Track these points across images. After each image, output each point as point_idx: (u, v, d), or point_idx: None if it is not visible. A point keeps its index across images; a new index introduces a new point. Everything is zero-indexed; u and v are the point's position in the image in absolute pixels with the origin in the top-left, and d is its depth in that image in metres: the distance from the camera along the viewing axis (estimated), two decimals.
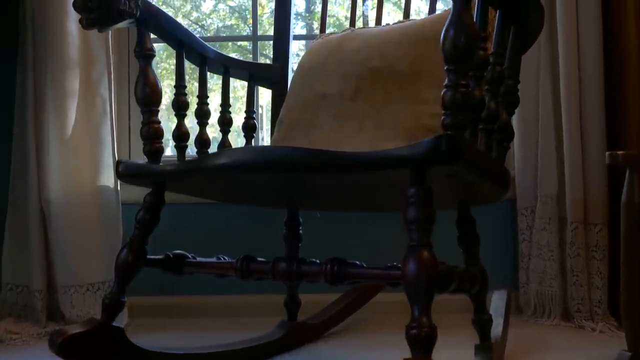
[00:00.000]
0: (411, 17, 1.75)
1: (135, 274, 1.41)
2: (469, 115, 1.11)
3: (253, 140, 1.75)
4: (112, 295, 1.39)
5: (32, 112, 1.96)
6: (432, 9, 1.69)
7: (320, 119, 1.56)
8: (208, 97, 1.66)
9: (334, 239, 2.12)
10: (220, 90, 1.74)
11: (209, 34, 9.96)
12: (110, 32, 2.03)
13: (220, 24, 9.80)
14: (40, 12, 1.97)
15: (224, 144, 1.69)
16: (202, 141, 1.63)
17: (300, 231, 1.75)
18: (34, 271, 1.95)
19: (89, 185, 1.98)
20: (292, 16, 1.92)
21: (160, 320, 2.10)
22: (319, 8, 10.18)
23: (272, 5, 8.93)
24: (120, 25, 1.47)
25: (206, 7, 10.05)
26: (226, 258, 1.50)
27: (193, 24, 9.87)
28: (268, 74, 1.81)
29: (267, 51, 9.73)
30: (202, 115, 1.64)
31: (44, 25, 1.95)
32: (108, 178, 2.00)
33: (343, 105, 1.54)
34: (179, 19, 9.60)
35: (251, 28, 2.29)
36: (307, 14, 8.99)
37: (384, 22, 1.77)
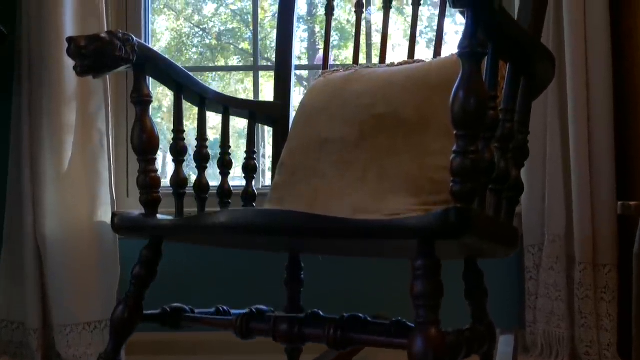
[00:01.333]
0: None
1: (132, 331, 1.36)
2: (478, 182, 1.07)
3: (254, 182, 1.70)
4: (107, 355, 1.34)
5: (27, 147, 1.91)
6: (437, 52, 1.64)
7: (322, 165, 1.51)
8: (207, 139, 1.62)
9: (336, 282, 2.07)
10: None
11: (210, 37, 9.91)
12: None
13: (222, 27, 9.77)
14: (36, 45, 1.92)
15: (224, 186, 1.64)
16: (201, 186, 1.58)
17: (302, 276, 1.70)
18: (30, 309, 1.91)
19: (86, 221, 1.94)
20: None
21: (162, 358, 2.05)
22: (320, 12, 10.14)
23: (274, 8, 8.86)
24: (116, 71, 1.42)
25: (208, 10, 10.00)
26: (225, 308, 1.46)
27: (195, 27, 9.86)
28: (269, 112, 1.76)
29: (269, 54, 9.63)
30: (202, 158, 1.59)
31: (40, 59, 1.91)
32: (105, 214, 1.96)
33: (346, 152, 1.49)
34: (181, 22, 9.59)
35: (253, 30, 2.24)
36: (309, 17, 8.95)
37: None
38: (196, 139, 1.61)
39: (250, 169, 1.70)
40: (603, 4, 1.83)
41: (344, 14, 9.47)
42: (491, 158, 1.17)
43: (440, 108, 1.40)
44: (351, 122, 1.51)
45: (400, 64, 1.63)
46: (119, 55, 1.38)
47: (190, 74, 1.58)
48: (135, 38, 1.42)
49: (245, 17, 8.60)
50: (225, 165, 1.64)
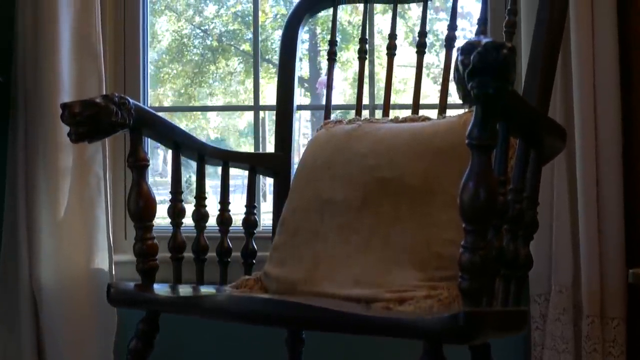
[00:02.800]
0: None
1: None
2: (488, 278, 1.03)
3: (253, 238, 1.65)
4: None
5: (23, 194, 1.87)
6: (442, 107, 1.59)
7: (324, 228, 1.47)
8: (206, 197, 1.58)
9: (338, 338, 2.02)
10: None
11: (211, 38, 9.86)
12: None
13: (223, 29, 9.71)
14: (31, 90, 1.88)
15: (223, 243, 1.60)
16: (200, 247, 1.55)
17: (303, 335, 1.67)
18: (25, 357, 1.87)
19: (83, 269, 1.90)
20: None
21: None
22: (321, 13, 10.09)
23: (275, 9, 8.80)
24: (112, 135, 1.38)
25: (209, 11, 9.94)
26: None
27: (196, 29, 9.81)
28: (270, 164, 1.72)
29: (270, 56, 9.59)
30: (200, 217, 1.55)
31: (36, 103, 1.86)
32: (102, 261, 1.91)
33: (349, 216, 1.44)
34: (182, 24, 9.57)
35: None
36: (310, 20, 8.85)
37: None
38: (195, 197, 1.57)
39: (250, 224, 1.66)
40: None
41: (345, 14, 9.41)
42: (500, 245, 1.13)
43: (446, 176, 1.36)
44: (354, 184, 1.46)
45: (404, 119, 1.58)
46: (114, 121, 1.34)
47: (189, 133, 1.53)
48: (131, 100, 1.38)
49: (247, 19, 8.54)
50: (224, 222, 1.60)
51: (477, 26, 1.64)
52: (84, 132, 1.31)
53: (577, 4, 1.76)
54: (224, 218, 1.60)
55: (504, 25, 1.57)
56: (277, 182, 1.72)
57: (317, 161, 1.57)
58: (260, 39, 2.27)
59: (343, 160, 1.52)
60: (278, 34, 9.52)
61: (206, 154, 1.57)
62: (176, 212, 1.49)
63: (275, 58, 9.73)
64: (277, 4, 9.30)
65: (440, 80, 1.75)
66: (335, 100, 1.78)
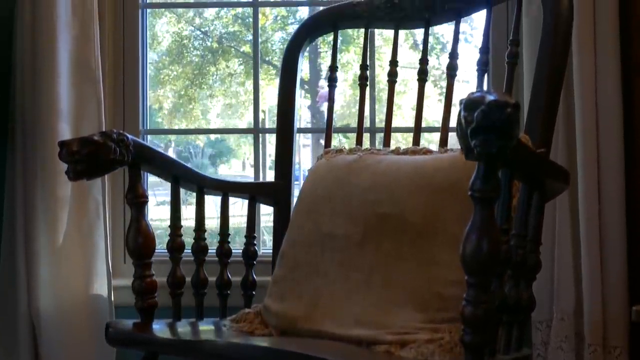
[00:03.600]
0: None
1: None
2: (491, 332, 1.02)
3: (253, 269, 1.64)
4: None
5: (21, 223, 1.85)
6: (443, 140, 1.58)
7: (324, 263, 1.45)
8: (205, 230, 1.56)
9: None
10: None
11: (211, 39, 9.84)
12: (104, 128, 1.93)
13: (224, 30, 9.70)
14: (30, 113, 1.86)
15: (222, 276, 1.59)
16: (199, 281, 1.53)
17: None
18: None
19: (81, 295, 1.88)
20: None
21: None
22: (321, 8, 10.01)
23: (275, 11, 8.78)
24: (111, 172, 1.37)
25: (209, 13, 9.91)
26: None
27: (196, 30, 9.79)
28: (270, 193, 1.70)
29: (270, 57, 9.57)
30: (200, 250, 1.54)
31: (35, 128, 1.85)
32: (101, 286, 1.90)
33: (350, 252, 1.43)
34: (182, 25, 9.57)
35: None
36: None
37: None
38: (194, 230, 1.56)
39: (249, 255, 1.64)
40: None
41: None
42: (504, 295, 1.12)
43: (447, 214, 1.35)
44: (355, 219, 1.45)
45: (406, 151, 1.57)
46: (113, 158, 1.33)
47: (188, 165, 1.52)
48: (130, 137, 1.37)
49: (247, 20, 8.53)
50: (224, 254, 1.59)
51: (479, 55, 1.62)
52: (82, 170, 1.30)
53: (579, 34, 1.75)
54: (224, 249, 1.59)
55: (506, 56, 1.55)
56: (277, 210, 1.71)
57: (318, 193, 1.56)
58: (260, 40, 2.23)
59: (343, 193, 1.50)
60: (278, 36, 9.49)
61: (205, 186, 1.56)
62: (175, 247, 1.48)
63: (276, 59, 9.72)
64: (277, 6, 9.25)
65: (441, 82, 1.74)
66: (335, 101, 1.76)
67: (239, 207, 8.71)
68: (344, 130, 2.77)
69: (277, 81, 1.88)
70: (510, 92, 1.53)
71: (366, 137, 2.10)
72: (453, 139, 1.63)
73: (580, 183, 1.78)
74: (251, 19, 2.22)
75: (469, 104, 0.92)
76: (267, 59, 8.68)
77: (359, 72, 1.77)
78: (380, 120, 2.18)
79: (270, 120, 10.60)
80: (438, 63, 7.67)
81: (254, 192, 1.66)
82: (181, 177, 1.49)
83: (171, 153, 13.42)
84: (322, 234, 1.49)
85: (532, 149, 1.21)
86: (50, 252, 1.85)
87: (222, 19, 9.47)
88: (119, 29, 2.07)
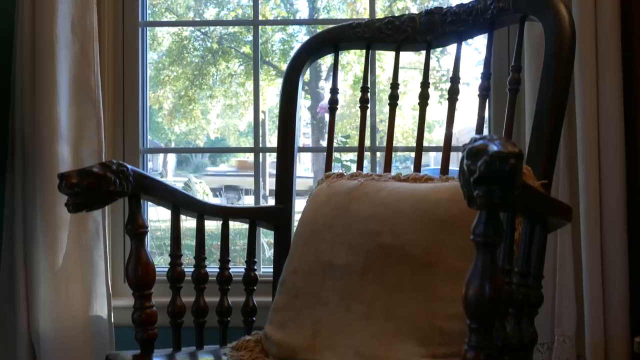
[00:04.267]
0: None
1: None
2: None
3: (253, 296, 1.63)
4: None
5: (21, 243, 1.85)
6: (444, 168, 1.57)
7: (326, 292, 1.45)
8: (206, 258, 1.56)
9: None
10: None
11: (211, 40, 9.80)
12: (104, 150, 1.92)
13: (224, 31, 9.67)
14: (30, 134, 1.85)
15: (223, 303, 1.58)
16: (199, 310, 1.53)
17: None
18: None
19: (81, 316, 1.87)
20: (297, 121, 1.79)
21: None
22: (322, 15, 9.97)
23: (276, 12, 8.74)
24: (110, 203, 1.36)
25: (209, 14, 9.87)
26: None
27: (196, 31, 9.75)
28: (271, 217, 1.70)
29: (270, 58, 9.52)
30: (200, 280, 1.53)
31: (34, 149, 1.84)
32: (101, 307, 1.89)
33: (351, 281, 1.42)
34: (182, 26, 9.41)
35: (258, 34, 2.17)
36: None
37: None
38: (194, 258, 1.55)
39: (250, 281, 1.64)
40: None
41: (346, 16, 9.39)
42: (506, 337, 1.11)
43: (449, 247, 1.34)
44: (356, 248, 1.44)
45: (406, 178, 1.56)
46: (113, 190, 1.32)
47: (187, 193, 1.51)
48: (130, 167, 1.36)
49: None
50: (224, 281, 1.58)
51: (480, 81, 1.61)
52: (81, 202, 1.29)
53: (581, 53, 1.74)
54: (224, 277, 1.58)
55: (508, 82, 1.55)
56: (277, 235, 1.70)
57: (318, 221, 1.55)
58: (260, 41, 2.20)
59: (344, 222, 1.49)
60: (278, 36, 9.47)
61: (205, 212, 1.55)
62: (175, 276, 1.47)
63: (276, 61, 9.65)
64: (278, 7, 9.24)
65: (441, 85, 1.72)
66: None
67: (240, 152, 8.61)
68: (346, 149, 2.74)
69: (277, 81, 1.86)
70: (512, 119, 1.52)
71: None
72: (454, 159, 1.63)
73: (582, 207, 1.77)
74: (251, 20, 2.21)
75: (472, 153, 0.91)
76: (267, 59, 8.68)
77: (359, 74, 1.76)
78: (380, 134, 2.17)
79: (270, 120, 10.59)
80: (439, 65, 7.66)
81: (254, 217, 1.66)
82: (181, 205, 1.48)
83: (170, 155, 13.21)
84: (323, 262, 1.48)
85: (536, 188, 1.20)
86: (50, 273, 1.84)
87: (222, 20, 9.43)
88: (119, 47, 2.06)
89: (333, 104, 1.77)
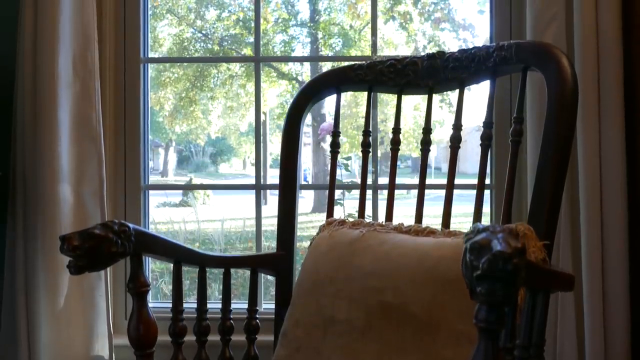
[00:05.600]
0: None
1: None
2: None
3: (255, 343, 1.64)
4: None
5: (22, 284, 1.85)
6: (445, 224, 1.56)
7: (327, 347, 1.45)
8: (207, 309, 1.55)
9: None
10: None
11: (212, 42, 9.75)
12: (105, 189, 1.92)
13: (225, 33, 9.63)
14: (31, 175, 1.85)
15: (224, 354, 1.58)
16: None
17: None
18: None
19: (82, 357, 1.88)
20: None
21: None
22: (323, 18, 9.94)
23: (277, 14, 8.68)
24: (112, 264, 1.36)
25: (210, 15, 9.83)
26: None
27: (197, 32, 9.70)
28: (272, 264, 1.69)
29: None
30: (201, 332, 1.53)
31: (36, 190, 1.84)
32: (102, 347, 1.90)
33: (352, 338, 1.42)
34: (182, 27, 9.45)
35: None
36: (312, 24, 8.86)
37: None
38: (196, 309, 1.55)
39: (251, 330, 1.63)
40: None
41: (347, 18, 9.37)
42: None
43: (451, 308, 1.34)
44: (358, 304, 1.44)
45: (408, 230, 1.56)
46: (114, 251, 1.33)
47: (189, 246, 1.51)
48: (131, 226, 1.36)
49: (248, 23, 8.50)
50: (226, 332, 1.58)
51: (482, 128, 1.61)
52: (83, 265, 1.29)
53: (583, 104, 1.74)
54: (226, 327, 1.58)
55: (510, 134, 1.54)
56: (278, 281, 1.70)
57: (320, 272, 1.55)
58: (261, 42, 2.20)
59: (345, 275, 1.49)
60: (279, 38, 9.42)
61: (207, 264, 1.55)
62: (177, 331, 1.48)
63: (276, 62, 9.58)
64: (279, 9, 9.20)
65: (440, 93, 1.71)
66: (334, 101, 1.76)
67: (240, 209, 8.68)
68: (347, 187, 2.73)
69: (278, 82, 1.85)
70: (514, 171, 1.51)
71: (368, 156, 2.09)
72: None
73: (584, 254, 1.77)
74: (252, 22, 2.20)
75: (475, 248, 0.91)
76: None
77: None
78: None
79: (270, 120, 10.49)
80: None
81: (255, 265, 1.65)
82: (183, 260, 1.49)
83: (172, 152, 13.25)
84: (324, 316, 1.48)
85: (539, 265, 1.20)
86: (51, 316, 1.85)
87: (223, 21, 9.43)
88: (120, 83, 2.06)
89: (335, 146, 1.77)
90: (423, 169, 1.67)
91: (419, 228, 1.55)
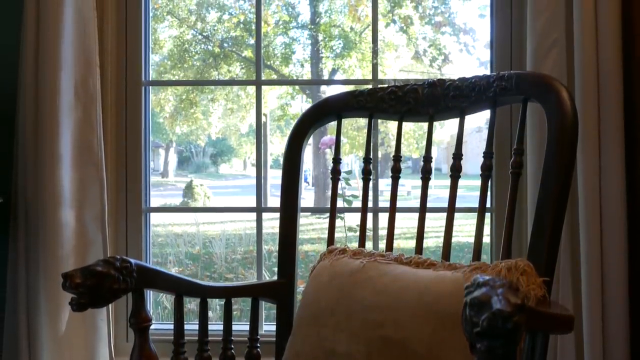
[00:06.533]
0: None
1: None
2: None
3: None
4: None
5: (24, 310, 1.86)
6: (445, 255, 1.57)
7: None
8: (209, 341, 1.56)
9: None
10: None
11: (213, 44, 9.75)
12: (106, 213, 1.93)
13: (225, 35, 9.62)
14: (33, 200, 1.86)
15: None
16: None
17: None
18: None
19: None
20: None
21: None
22: (324, 20, 9.92)
23: (278, 16, 8.69)
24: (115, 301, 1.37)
25: (211, 18, 9.83)
26: None
27: (198, 35, 9.69)
28: (273, 292, 1.70)
29: (271, 62, 9.49)
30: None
31: (37, 215, 1.85)
32: None
33: None
34: (183, 29, 9.44)
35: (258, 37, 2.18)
36: (313, 26, 8.85)
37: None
38: (198, 341, 1.56)
39: (252, 359, 1.64)
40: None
41: (347, 20, 9.38)
42: None
43: (452, 344, 1.35)
44: (358, 337, 1.45)
45: (409, 261, 1.56)
46: (117, 288, 1.33)
47: (191, 279, 1.52)
48: (133, 262, 1.37)
49: (249, 25, 8.51)
50: None
51: (482, 161, 1.61)
52: (85, 302, 1.30)
53: (584, 146, 1.75)
54: (227, 357, 1.59)
55: (510, 165, 1.55)
56: (279, 309, 1.71)
57: (321, 303, 1.56)
58: (262, 44, 2.20)
59: (346, 308, 1.50)
60: (280, 40, 9.42)
61: (209, 296, 1.56)
62: None
63: (277, 64, 9.61)
64: (280, 12, 9.20)
65: None
66: None
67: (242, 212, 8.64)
68: (350, 210, 2.72)
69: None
70: (514, 204, 1.52)
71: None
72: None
73: (584, 293, 1.78)
74: (253, 24, 2.20)
75: (475, 304, 0.92)
76: (268, 63, 8.67)
77: (361, 78, 1.76)
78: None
79: (271, 118, 10.46)
80: (440, 74, 7.63)
81: (257, 294, 1.66)
82: (185, 293, 1.49)
83: (172, 153, 13.26)
84: (325, 348, 1.49)
85: (538, 310, 1.21)
86: (53, 342, 1.86)
87: (224, 24, 9.44)
88: (121, 107, 2.07)
89: (336, 174, 1.77)
90: (423, 198, 1.67)
91: (420, 260, 1.56)
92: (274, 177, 10.13)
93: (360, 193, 1.79)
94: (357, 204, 2.64)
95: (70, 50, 1.87)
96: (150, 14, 2.13)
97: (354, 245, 1.73)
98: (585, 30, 1.79)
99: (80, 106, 1.90)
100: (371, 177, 1.78)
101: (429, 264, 1.54)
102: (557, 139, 1.43)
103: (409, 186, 9.79)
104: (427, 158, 1.73)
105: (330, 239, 1.74)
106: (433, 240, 6.63)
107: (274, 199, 8.79)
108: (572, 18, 1.84)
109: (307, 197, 8.37)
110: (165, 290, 1.47)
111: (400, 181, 1.77)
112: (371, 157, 1.78)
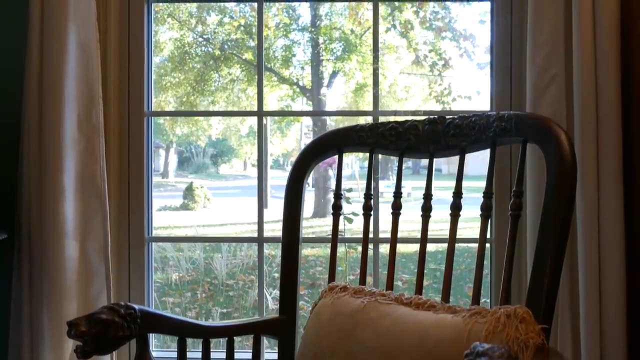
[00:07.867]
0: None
1: None
2: None
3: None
4: None
5: (27, 343, 1.88)
6: (445, 297, 1.59)
7: None
8: None
9: None
10: None
11: (213, 47, 9.75)
12: (109, 245, 1.94)
13: (226, 38, 9.62)
14: (36, 234, 1.88)
15: None
16: None
17: None
18: None
19: None
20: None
21: None
22: (324, 22, 9.92)
23: (278, 19, 8.64)
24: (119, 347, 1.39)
25: (211, 20, 9.83)
26: None
27: (198, 37, 9.69)
28: (275, 329, 1.72)
29: (272, 64, 9.48)
30: None
31: (41, 249, 1.86)
32: None
33: None
34: (184, 32, 9.40)
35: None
36: (313, 29, 8.84)
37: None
38: None
39: None
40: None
41: (347, 23, 9.38)
42: None
43: None
44: None
45: (408, 301, 1.58)
46: (121, 335, 1.35)
47: (193, 321, 1.54)
48: (137, 307, 1.38)
49: (249, 28, 8.50)
50: None
51: (482, 199, 1.62)
52: (90, 350, 1.32)
53: (583, 184, 1.76)
54: None
55: (510, 207, 1.56)
56: (281, 346, 1.73)
57: (322, 343, 1.58)
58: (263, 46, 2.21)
59: (347, 349, 1.52)
60: (280, 42, 9.42)
61: (212, 336, 1.58)
62: None
63: (277, 66, 9.61)
64: (280, 14, 9.20)
65: (443, 97, 1.73)
66: (336, 103, 1.79)
67: (243, 213, 8.64)
68: (352, 240, 2.75)
69: (279, 86, 1.86)
70: (513, 249, 1.53)
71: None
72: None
73: (582, 337, 1.80)
74: (254, 27, 2.22)
75: (479, 352, 0.94)
76: (269, 66, 8.67)
77: (360, 81, 1.78)
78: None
79: (271, 119, 10.45)
80: (440, 80, 7.65)
81: (258, 331, 1.68)
82: (188, 335, 1.51)
83: (173, 153, 13.27)
84: None
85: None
86: None
87: (224, 26, 9.44)
88: (124, 138, 2.08)
89: (337, 209, 1.78)
90: (423, 239, 1.68)
91: (420, 301, 1.58)
92: (274, 178, 10.16)
93: (360, 194, 1.79)
94: (357, 220, 2.67)
95: (74, 81, 1.89)
96: (153, 47, 2.14)
97: (355, 250, 1.74)
98: (584, 66, 1.80)
99: (84, 139, 1.92)
100: (371, 212, 1.79)
101: (429, 305, 1.56)
102: (556, 187, 1.43)
103: (409, 187, 9.81)
104: (428, 195, 1.74)
105: (331, 275, 1.75)
106: (432, 245, 6.65)
107: (274, 200, 8.82)
108: (572, 53, 1.85)
109: (307, 197, 8.39)
110: (168, 333, 1.49)
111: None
112: (372, 192, 1.80)
